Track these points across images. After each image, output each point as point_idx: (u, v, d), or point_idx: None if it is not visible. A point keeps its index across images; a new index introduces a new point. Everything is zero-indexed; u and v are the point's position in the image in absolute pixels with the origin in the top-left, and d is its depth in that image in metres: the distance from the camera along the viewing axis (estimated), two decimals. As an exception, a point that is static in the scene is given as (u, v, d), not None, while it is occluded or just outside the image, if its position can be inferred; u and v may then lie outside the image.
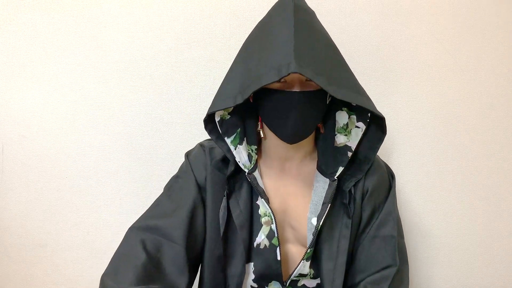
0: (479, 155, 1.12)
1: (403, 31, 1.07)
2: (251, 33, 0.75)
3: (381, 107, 1.07)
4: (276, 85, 0.69)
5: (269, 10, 0.74)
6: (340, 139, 0.78)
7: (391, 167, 0.88)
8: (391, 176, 0.85)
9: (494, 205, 1.14)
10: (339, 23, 1.06)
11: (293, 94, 0.67)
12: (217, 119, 0.75)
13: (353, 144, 0.77)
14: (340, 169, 0.77)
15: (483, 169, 1.13)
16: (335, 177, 0.76)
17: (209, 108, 0.71)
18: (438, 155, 1.12)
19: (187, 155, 0.85)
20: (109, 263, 0.72)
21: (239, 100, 0.66)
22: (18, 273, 1.13)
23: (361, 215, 0.80)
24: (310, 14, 0.72)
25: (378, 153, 0.89)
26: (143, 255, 0.70)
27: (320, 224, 0.75)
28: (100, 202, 1.11)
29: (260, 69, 0.65)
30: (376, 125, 0.75)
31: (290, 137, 0.71)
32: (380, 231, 0.80)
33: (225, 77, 0.73)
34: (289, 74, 0.60)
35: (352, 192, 0.78)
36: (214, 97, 0.72)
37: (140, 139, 1.09)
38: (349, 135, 0.78)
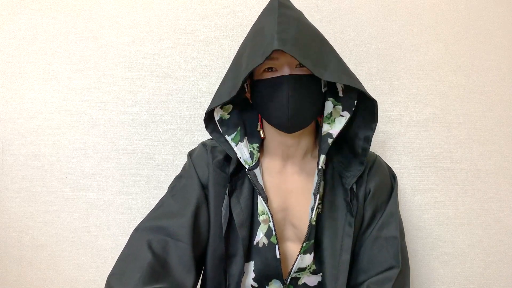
0: (479, 155, 1.12)
1: (403, 31, 1.07)
2: (245, 37, 0.77)
3: (381, 107, 1.06)
4: (267, 74, 0.71)
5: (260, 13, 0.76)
6: (324, 128, 0.78)
7: (391, 167, 0.88)
8: (393, 178, 0.85)
9: (494, 205, 1.14)
10: (339, 23, 1.06)
11: (283, 77, 0.69)
12: (216, 118, 0.77)
13: (334, 132, 0.77)
14: (322, 157, 0.76)
15: (483, 169, 1.13)
16: (319, 167, 0.76)
17: (208, 106, 0.73)
18: (438, 155, 1.12)
19: (190, 154, 0.85)
20: (115, 264, 0.72)
21: (233, 93, 0.68)
22: (18, 273, 1.13)
23: (363, 215, 0.80)
24: (295, 11, 0.73)
25: (379, 154, 0.89)
26: (149, 255, 0.70)
27: (313, 215, 0.75)
28: (100, 202, 1.11)
29: (248, 60, 0.67)
30: (366, 114, 0.75)
31: (287, 124, 0.71)
32: (382, 232, 0.80)
33: (222, 79, 0.75)
34: (272, 52, 0.62)
35: (355, 190, 0.78)
36: (213, 97, 0.74)
37: (140, 139, 1.09)
38: (332, 123, 0.78)
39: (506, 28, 1.08)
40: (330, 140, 0.77)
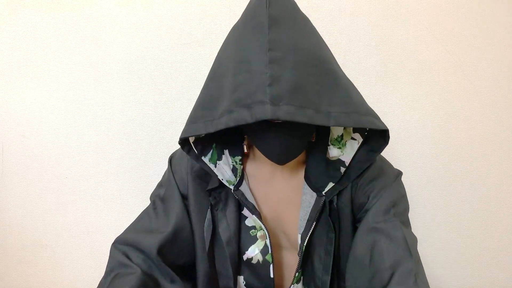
0: (479, 155, 1.12)
1: (403, 31, 1.07)
2: (224, 41, 0.64)
3: (381, 107, 1.07)
4: None
5: (243, 12, 0.62)
6: (333, 152, 0.70)
7: (392, 166, 0.86)
8: (393, 176, 0.77)
9: (494, 205, 1.14)
10: (339, 23, 1.06)
11: (276, 125, 0.60)
12: (191, 140, 0.68)
13: (347, 159, 0.69)
14: (330, 184, 0.69)
15: (483, 169, 1.13)
16: (323, 193, 0.68)
17: (182, 132, 0.63)
18: (438, 155, 1.12)
19: (170, 159, 0.77)
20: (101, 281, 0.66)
21: (210, 130, 0.58)
22: (18, 273, 1.13)
23: (354, 215, 0.72)
24: (288, 20, 0.57)
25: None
26: (137, 269, 0.65)
27: (304, 245, 0.68)
28: (100, 202, 1.11)
29: (232, 102, 0.56)
30: (377, 135, 0.67)
31: (277, 161, 0.65)
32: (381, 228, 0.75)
33: (199, 95, 0.65)
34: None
35: (334, 203, 0.70)
36: (187, 120, 0.64)
37: (140, 139, 1.09)
38: (343, 148, 0.69)
39: (506, 28, 1.08)
40: (342, 169, 0.68)
